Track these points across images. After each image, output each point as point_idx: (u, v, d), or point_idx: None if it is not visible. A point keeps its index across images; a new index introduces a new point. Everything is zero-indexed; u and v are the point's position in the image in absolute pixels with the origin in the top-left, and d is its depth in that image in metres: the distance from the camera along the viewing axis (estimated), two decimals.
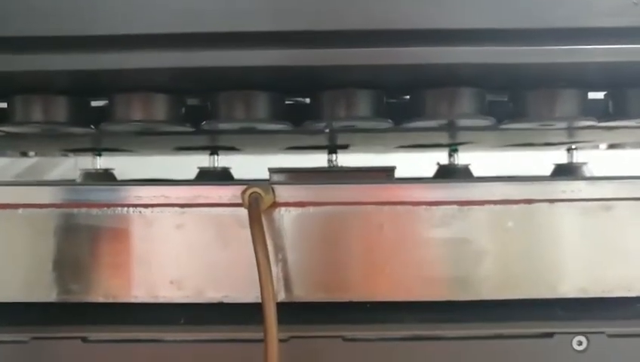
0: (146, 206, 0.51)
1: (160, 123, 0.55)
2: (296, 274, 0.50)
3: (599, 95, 0.60)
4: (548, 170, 0.79)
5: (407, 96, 0.60)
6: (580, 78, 0.53)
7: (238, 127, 0.58)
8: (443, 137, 0.73)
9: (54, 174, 0.95)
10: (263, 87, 0.54)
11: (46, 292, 0.51)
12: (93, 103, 0.60)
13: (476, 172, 0.76)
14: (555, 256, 0.50)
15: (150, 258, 0.51)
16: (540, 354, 0.49)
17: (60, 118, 0.56)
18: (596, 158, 0.78)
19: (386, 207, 0.50)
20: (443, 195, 0.50)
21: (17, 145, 0.83)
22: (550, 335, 0.49)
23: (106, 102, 0.57)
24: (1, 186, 0.52)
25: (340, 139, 0.73)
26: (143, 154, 0.90)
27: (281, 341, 0.46)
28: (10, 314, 0.51)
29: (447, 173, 0.67)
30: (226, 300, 0.50)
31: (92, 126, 0.59)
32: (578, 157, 0.77)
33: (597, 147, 0.87)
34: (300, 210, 0.50)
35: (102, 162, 0.81)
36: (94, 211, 0.51)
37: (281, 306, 0.46)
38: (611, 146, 0.88)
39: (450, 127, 0.62)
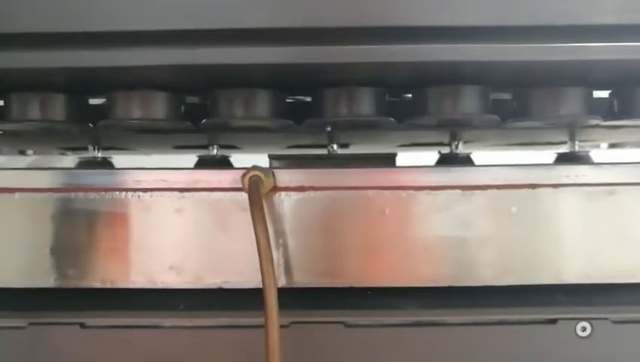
0: (144, 190, 0.50)
1: (159, 121, 0.54)
2: (296, 260, 0.50)
3: (604, 94, 0.60)
4: None
5: (410, 95, 0.59)
6: (586, 76, 0.53)
7: (239, 125, 0.57)
8: (444, 136, 0.73)
9: None
10: (264, 84, 0.54)
11: (44, 278, 0.50)
12: (91, 102, 0.60)
13: None
14: (558, 242, 0.50)
15: (149, 243, 0.50)
16: (544, 340, 0.48)
17: (57, 116, 0.55)
18: (596, 158, 0.78)
19: (388, 192, 0.50)
20: (446, 180, 0.50)
21: (15, 143, 0.82)
22: (554, 321, 0.48)
23: (105, 100, 0.56)
24: None
25: (340, 138, 0.72)
26: (141, 152, 0.90)
27: (281, 326, 0.45)
28: (8, 299, 0.50)
29: (448, 162, 0.67)
30: (225, 286, 0.50)
31: (90, 124, 0.58)
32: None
33: (598, 146, 0.87)
34: (300, 194, 0.50)
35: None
36: (93, 196, 0.50)
37: (281, 292, 0.46)
38: (612, 146, 0.88)
39: (454, 126, 0.62)
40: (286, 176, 0.50)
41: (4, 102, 0.55)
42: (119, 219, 0.50)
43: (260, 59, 0.47)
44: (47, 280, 0.50)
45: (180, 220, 0.50)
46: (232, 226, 0.50)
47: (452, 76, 0.52)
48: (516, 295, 0.50)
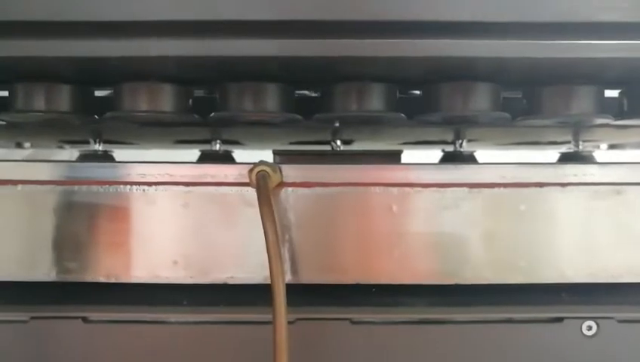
0: (149, 184, 0.50)
1: (168, 113, 0.54)
2: (302, 256, 0.49)
3: (612, 93, 0.59)
4: None
5: (417, 91, 0.59)
6: (597, 75, 0.53)
7: (248, 119, 0.57)
8: (448, 134, 0.73)
9: None
10: (273, 78, 0.53)
11: (46, 272, 0.50)
12: (96, 94, 0.60)
13: None
14: (565, 241, 0.50)
15: (153, 237, 0.50)
16: (550, 339, 0.48)
17: (63, 107, 0.54)
18: (598, 158, 0.78)
19: (396, 189, 0.49)
20: (453, 177, 0.49)
21: (15, 135, 0.81)
22: (560, 319, 0.48)
23: (112, 91, 0.56)
24: (0, 162, 0.51)
25: (345, 134, 0.72)
26: (141, 147, 0.89)
27: (287, 323, 0.45)
28: (10, 293, 0.50)
29: (452, 160, 0.67)
30: (230, 281, 0.49)
31: (96, 116, 0.57)
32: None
33: (598, 147, 0.87)
34: (307, 190, 0.49)
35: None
36: (96, 189, 0.50)
37: (287, 288, 0.45)
38: (612, 147, 0.88)
39: (464, 122, 0.61)
40: (293, 172, 0.49)
41: (9, 93, 0.54)
42: (124, 212, 0.50)
43: (270, 52, 0.47)
44: (50, 273, 0.49)
45: (185, 214, 0.50)
46: (238, 221, 0.49)
47: (463, 72, 0.52)
48: (522, 293, 0.50)
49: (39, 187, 0.50)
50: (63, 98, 0.54)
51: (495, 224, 0.50)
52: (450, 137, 0.74)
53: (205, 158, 0.64)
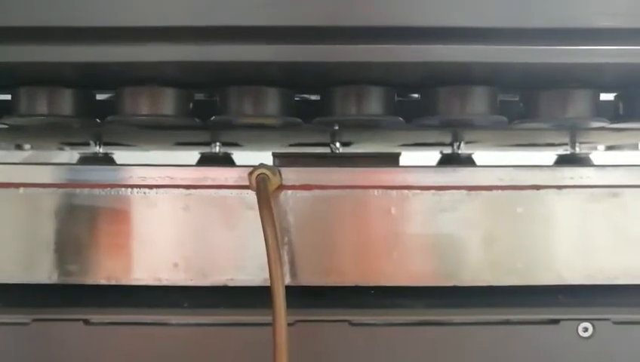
0: (150, 187, 0.50)
1: (169, 117, 0.54)
2: (302, 258, 0.50)
3: (608, 96, 0.60)
4: None
5: (416, 95, 0.60)
6: (593, 79, 0.53)
7: (248, 123, 0.57)
8: (446, 137, 0.73)
9: None
10: (273, 82, 0.54)
11: (48, 274, 0.50)
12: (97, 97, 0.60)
13: None
14: (561, 243, 0.50)
15: (154, 240, 0.50)
16: (546, 341, 0.49)
17: (65, 110, 0.55)
18: (595, 160, 0.79)
19: (394, 192, 0.50)
20: (451, 180, 0.50)
21: (15, 137, 0.82)
22: (556, 321, 0.49)
23: (113, 95, 0.56)
24: (2, 165, 0.51)
25: (344, 137, 0.72)
26: (140, 149, 0.89)
27: (287, 324, 0.45)
28: (11, 295, 0.50)
29: (451, 162, 0.67)
30: (230, 283, 0.50)
31: (97, 119, 0.58)
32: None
33: (595, 148, 0.88)
34: (306, 193, 0.50)
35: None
36: (97, 192, 0.50)
37: (286, 290, 0.46)
38: (609, 148, 0.88)
39: (461, 126, 0.62)
40: (292, 175, 0.50)
41: (12, 97, 0.54)
42: (124, 215, 0.50)
43: (268, 57, 0.47)
44: (52, 276, 0.50)
45: (186, 217, 0.50)
46: (237, 224, 0.50)
47: (461, 77, 0.52)
48: (519, 295, 0.50)
49: (41, 190, 0.50)
50: (65, 102, 0.55)
51: (492, 226, 0.50)
52: (448, 139, 0.74)
53: (205, 161, 0.64)
